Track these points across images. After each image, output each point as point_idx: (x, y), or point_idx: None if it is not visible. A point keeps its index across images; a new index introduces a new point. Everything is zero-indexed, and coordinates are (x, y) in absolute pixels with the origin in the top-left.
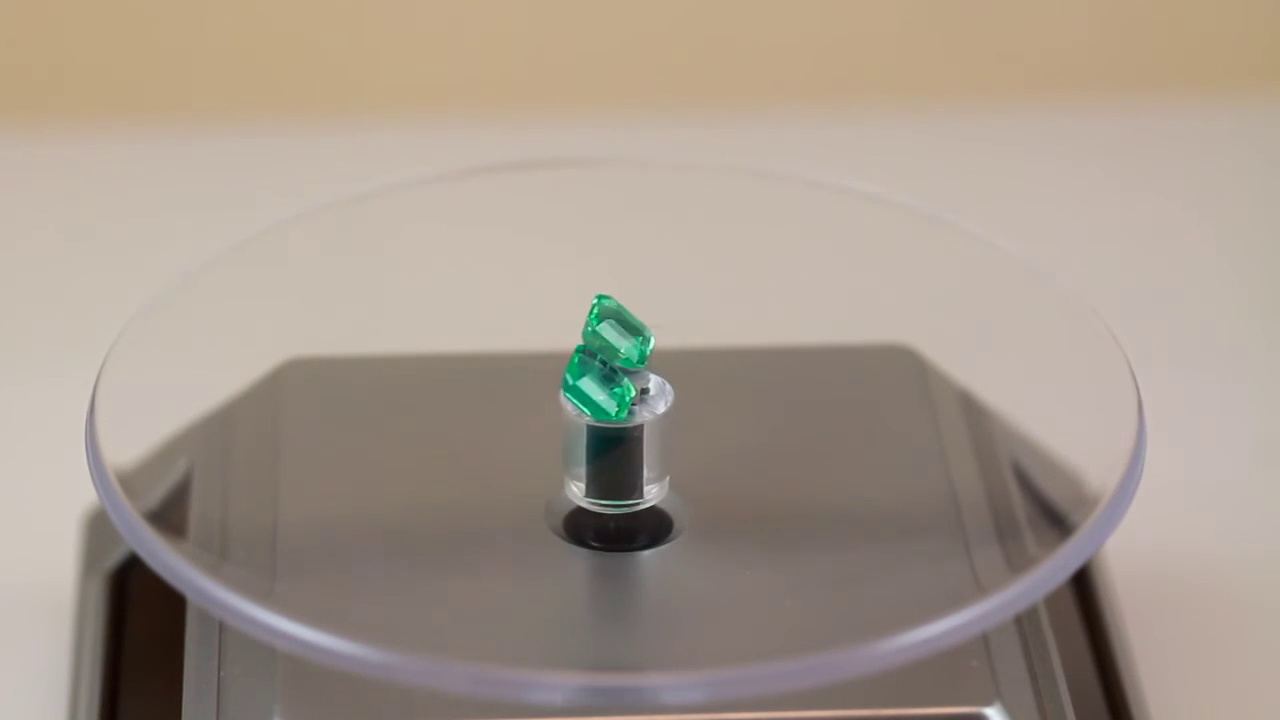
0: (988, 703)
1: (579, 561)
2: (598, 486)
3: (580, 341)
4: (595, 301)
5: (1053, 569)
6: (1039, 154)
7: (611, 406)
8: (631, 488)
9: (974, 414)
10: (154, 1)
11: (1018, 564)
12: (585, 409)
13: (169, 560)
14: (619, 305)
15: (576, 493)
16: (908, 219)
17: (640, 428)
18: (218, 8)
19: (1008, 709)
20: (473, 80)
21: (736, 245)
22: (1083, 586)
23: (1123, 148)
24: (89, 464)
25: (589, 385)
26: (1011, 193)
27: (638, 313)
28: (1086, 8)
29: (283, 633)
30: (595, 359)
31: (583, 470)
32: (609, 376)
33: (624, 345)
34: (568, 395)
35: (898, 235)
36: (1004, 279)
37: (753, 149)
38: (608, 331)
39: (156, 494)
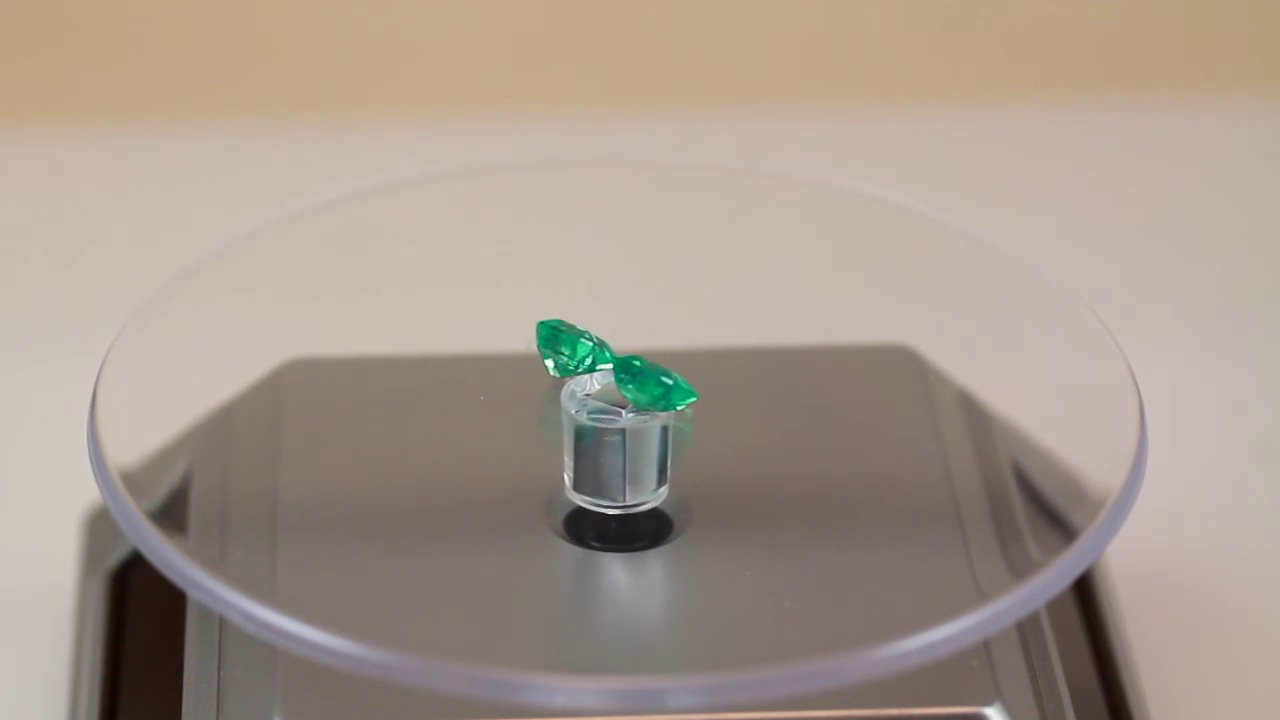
0: (988, 703)
1: (579, 562)
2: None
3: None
4: (541, 333)
5: (1054, 576)
6: (1039, 154)
7: (685, 387)
8: (661, 478)
9: (974, 414)
10: (154, 1)
11: (1018, 567)
12: (669, 404)
13: (172, 558)
14: (554, 324)
15: (620, 498)
16: (908, 219)
17: (671, 416)
18: (218, 8)
19: (1008, 709)
20: (473, 80)
21: (736, 245)
22: (1083, 587)
23: (1122, 147)
24: (91, 461)
25: (649, 380)
26: (1011, 192)
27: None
28: (1087, 7)
29: (284, 631)
30: (628, 369)
31: (620, 477)
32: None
33: (587, 354)
34: (655, 406)
35: (898, 235)
36: (1004, 279)
37: (753, 149)
38: (584, 353)
39: (157, 494)
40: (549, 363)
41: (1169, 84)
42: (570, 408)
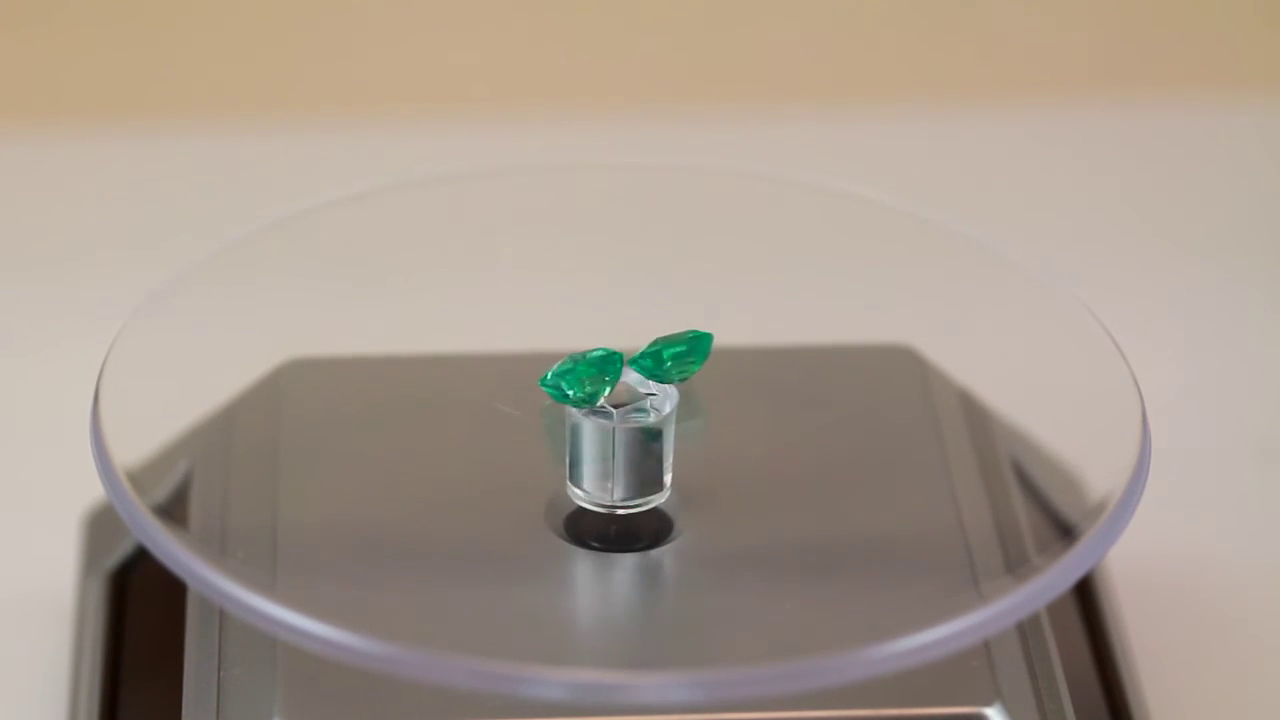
0: (988, 703)
1: (579, 561)
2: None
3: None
4: (558, 389)
5: (1055, 578)
6: (1039, 154)
7: (697, 334)
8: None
9: (974, 414)
10: (154, 1)
11: (1018, 567)
12: (702, 358)
13: (177, 554)
14: (567, 368)
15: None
16: (908, 221)
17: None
18: (218, 8)
19: (1008, 709)
20: (474, 81)
21: (737, 246)
22: (1083, 587)
23: (1123, 148)
24: (95, 458)
25: (686, 354)
26: (1011, 193)
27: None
28: (1087, 8)
29: (291, 626)
30: (661, 357)
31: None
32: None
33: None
34: (695, 369)
35: (898, 236)
36: (1004, 280)
37: (753, 150)
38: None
39: (159, 493)
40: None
41: (1169, 84)
42: (610, 420)
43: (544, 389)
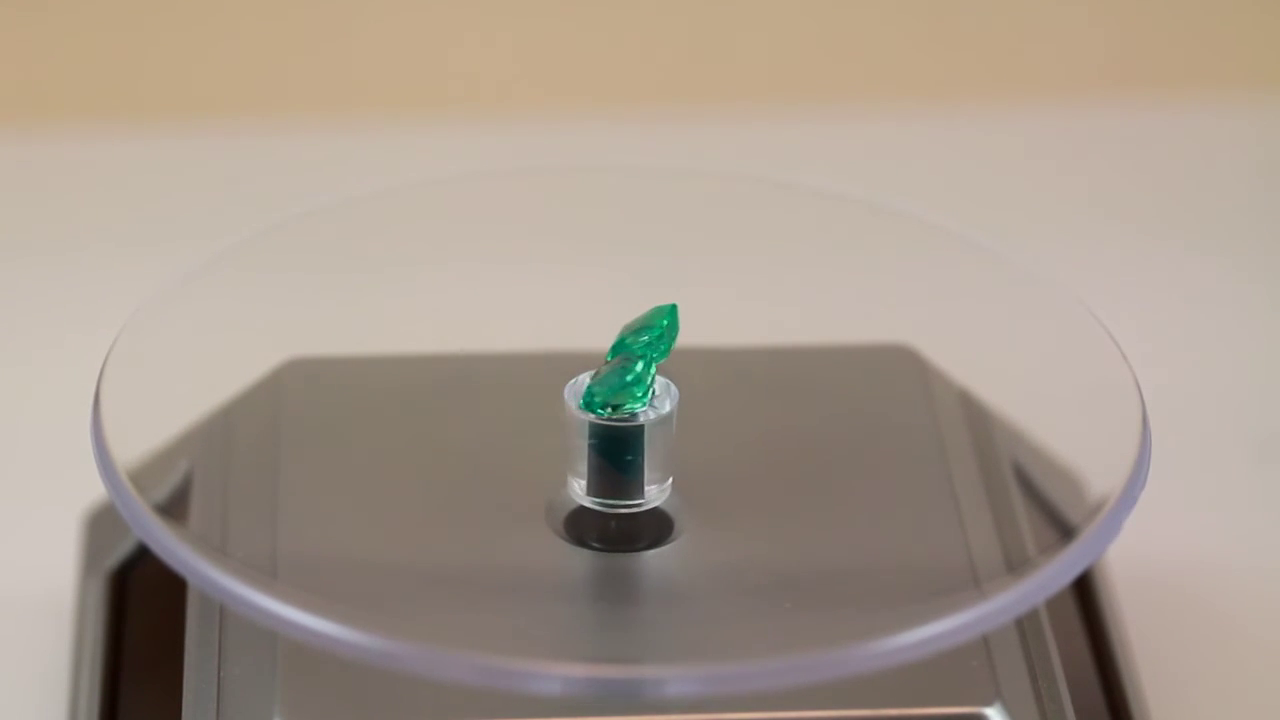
0: (988, 703)
1: (580, 562)
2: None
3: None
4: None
5: (1054, 574)
6: (1039, 154)
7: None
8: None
9: (974, 414)
10: (154, 1)
11: (1018, 566)
12: (674, 336)
13: (178, 551)
14: (611, 381)
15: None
16: (908, 221)
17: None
18: (218, 8)
19: (1008, 709)
20: (473, 81)
21: (737, 247)
22: (1083, 587)
23: (1123, 147)
24: (96, 458)
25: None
26: (1011, 193)
27: (637, 314)
28: (1086, 8)
29: (296, 623)
30: (655, 344)
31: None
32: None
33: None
34: (669, 341)
35: (898, 236)
36: (1004, 280)
37: (753, 150)
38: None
39: (158, 493)
40: (633, 405)
41: (1169, 84)
42: (654, 408)
43: (587, 409)
